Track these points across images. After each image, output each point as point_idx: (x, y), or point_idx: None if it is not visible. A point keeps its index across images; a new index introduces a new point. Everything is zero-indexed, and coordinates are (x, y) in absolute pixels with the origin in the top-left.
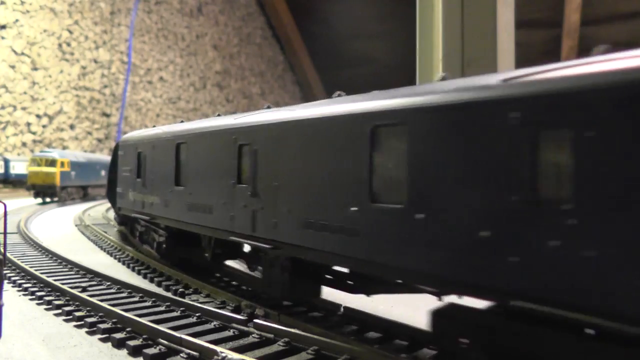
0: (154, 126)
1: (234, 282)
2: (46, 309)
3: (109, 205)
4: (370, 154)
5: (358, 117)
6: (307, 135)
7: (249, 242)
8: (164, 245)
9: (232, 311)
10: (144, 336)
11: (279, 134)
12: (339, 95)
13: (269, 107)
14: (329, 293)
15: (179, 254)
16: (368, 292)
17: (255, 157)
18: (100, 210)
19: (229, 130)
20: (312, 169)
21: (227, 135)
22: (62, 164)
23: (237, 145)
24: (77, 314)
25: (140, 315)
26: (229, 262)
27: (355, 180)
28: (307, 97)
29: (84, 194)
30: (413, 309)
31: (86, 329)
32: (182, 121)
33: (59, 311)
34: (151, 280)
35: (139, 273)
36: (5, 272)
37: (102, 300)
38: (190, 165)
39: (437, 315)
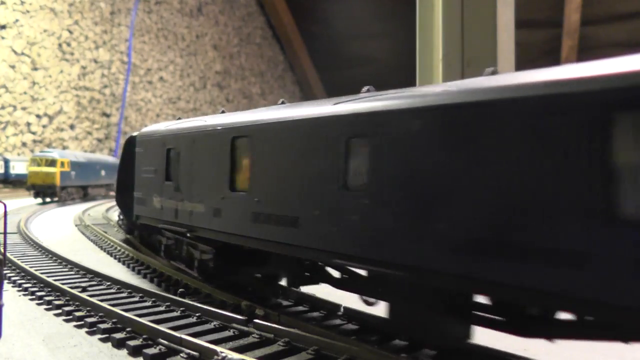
0: (179, 118)
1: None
2: (46, 309)
3: (109, 205)
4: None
5: None
6: (500, 123)
7: (372, 267)
8: (211, 265)
9: (232, 311)
10: (144, 336)
11: (436, 120)
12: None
13: (368, 91)
14: (329, 292)
15: (232, 275)
16: (553, 336)
17: (380, 153)
18: (100, 210)
19: (328, 119)
20: (500, 169)
21: (324, 126)
22: (62, 164)
23: (345, 139)
24: (77, 314)
25: (140, 315)
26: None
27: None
28: (307, 97)
29: (84, 194)
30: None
31: (86, 329)
32: (223, 111)
33: (59, 311)
34: (151, 280)
35: (138, 273)
36: (5, 272)
37: (102, 300)
38: (257, 164)
39: None
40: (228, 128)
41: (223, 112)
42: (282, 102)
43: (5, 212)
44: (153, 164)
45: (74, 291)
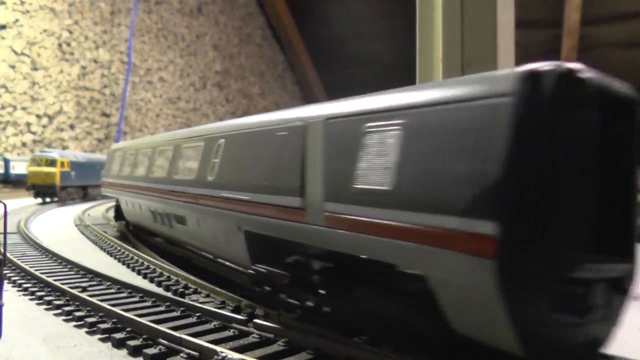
0: None
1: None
2: (46, 309)
3: (108, 205)
4: None
5: None
6: None
7: None
8: None
9: (232, 311)
10: (144, 336)
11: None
12: None
13: None
14: None
15: None
16: None
17: None
18: (100, 210)
19: None
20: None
21: None
22: (62, 164)
23: None
24: (77, 314)
25: (140, 315)
26: None
27: None
28: (307, 97)
29: (84, 194)
30: None
31: (86, 329)
32: None
33: (59, 311)
34: (151, 280)
35: (139, 273)
36: (5, 272)
37: (102, 300)
38: None
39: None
40: None
41: None
42: None
43: (5, 212)
44: None
45: (74, 291)
